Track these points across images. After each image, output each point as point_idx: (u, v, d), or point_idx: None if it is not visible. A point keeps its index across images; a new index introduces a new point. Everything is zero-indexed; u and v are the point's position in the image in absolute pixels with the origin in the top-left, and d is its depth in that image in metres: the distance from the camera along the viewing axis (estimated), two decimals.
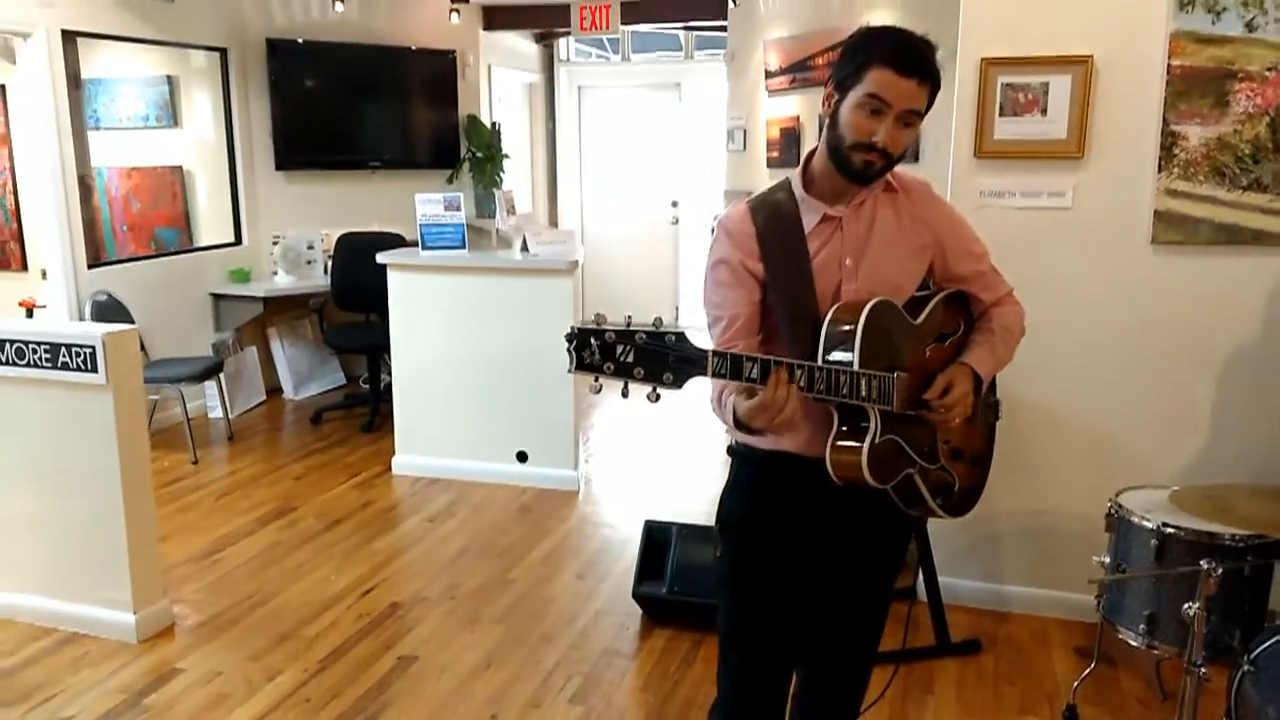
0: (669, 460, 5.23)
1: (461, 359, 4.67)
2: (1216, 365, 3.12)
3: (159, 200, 6.20)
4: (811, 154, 1.80)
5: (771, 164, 6.23)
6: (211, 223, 6.32)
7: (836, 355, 1.66)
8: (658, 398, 1.51)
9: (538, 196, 8.62)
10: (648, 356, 1.45)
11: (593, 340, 1.44)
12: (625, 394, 1.51)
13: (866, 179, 1.71)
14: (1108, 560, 2.55)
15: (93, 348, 3.03)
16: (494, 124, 7.35)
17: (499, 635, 3.23)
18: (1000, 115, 3.17)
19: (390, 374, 5.64)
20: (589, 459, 5.06)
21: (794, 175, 1.81)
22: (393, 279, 4.74)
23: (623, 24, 6.93)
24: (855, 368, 1.63)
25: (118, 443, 3.09)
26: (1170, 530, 2.38)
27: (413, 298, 4.74)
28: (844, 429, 1.68)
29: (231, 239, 6.29)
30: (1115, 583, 2.52)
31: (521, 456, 4.66)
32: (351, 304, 5.83)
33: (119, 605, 3.17)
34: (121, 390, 3.10)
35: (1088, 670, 2.79)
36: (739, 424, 1.65)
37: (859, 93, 1.63)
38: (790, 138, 6.07)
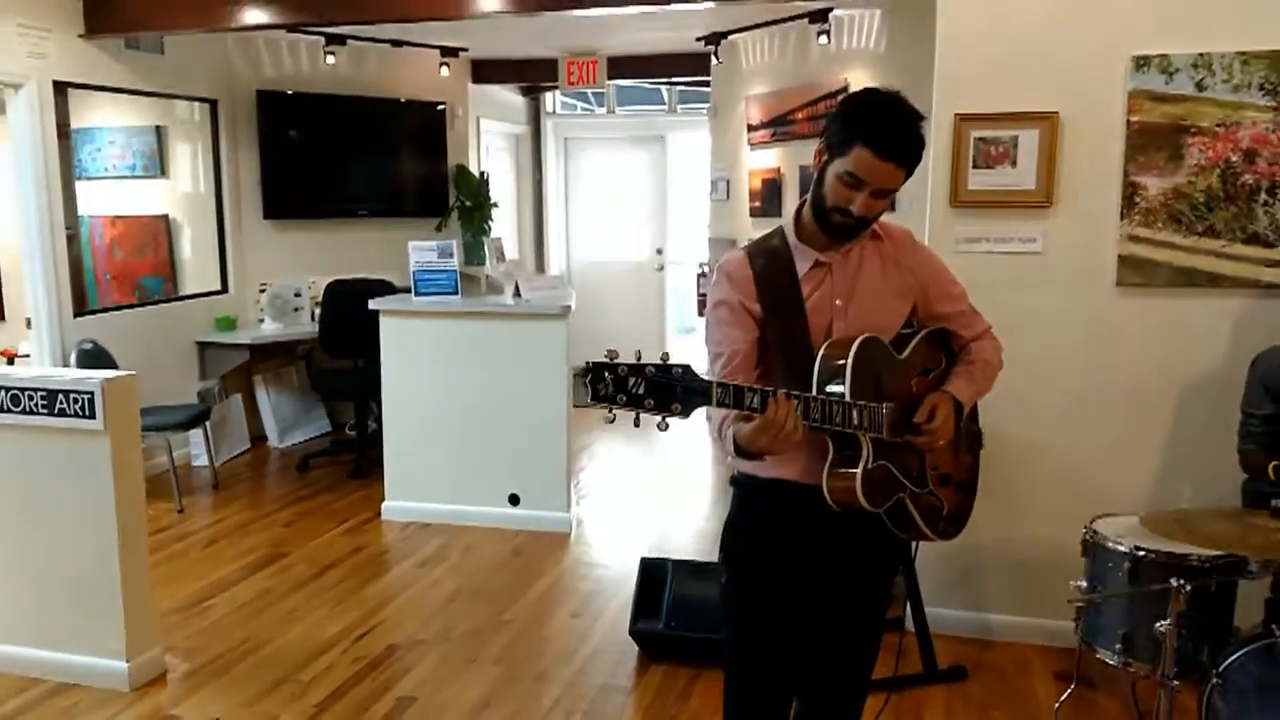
0: (660, 500, 5.32)
1: (453, 404, 4.75)
2: (1179, 398, 3.28)
3: (143, 249, 6.27)
4: (802, 205, 1.95)
5: (754, 213, 6.42)
6: (197, 271, 6.38)
7: (830, 388, 1.79)
8: (666, 426, 1.63)
9: (524, 244, 8.77)
10: (657, 388, 1.58)
11: (606, 374, 1.57)
12: (637, 423, 1.63)
13: (842, 238, 1.88)
14: (1084, 585, 2.66)
15: (91, 393, 3.08)
16: (482, 173, 7.51)
17: (496, 675, 3.27)
18: (974, 167, 3.35)
19: (378, 420, 5.71)
20: (580, 501, 5.12)
21: (787, 224, 1.96)
22: (385, 325, 4.82)
23: (608, 79, 7.16)
24: (847, 398, 1.75)
25: (114, 488, 3.13)
26: (1142, 553, 2.50)
27: (405, 343, 4.82)
28: (839, 457, 1.82)
29: (218, 287, 6.36)
30: (1092, 606, 2.63)
31: (514, 499, 4.73)
32: (339, 350, 5.90)
33: (111, 653, 3.18)
34: (119, 436, 3.15)
35: (1068, 692, 2.89)
36: (740, 451, 1.77)
37: (841, 165, 1.79)
38: (772, 188, 6.27)
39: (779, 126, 6.32)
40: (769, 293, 1.89)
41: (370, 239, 6.76)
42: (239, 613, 3.77)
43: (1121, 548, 2.56)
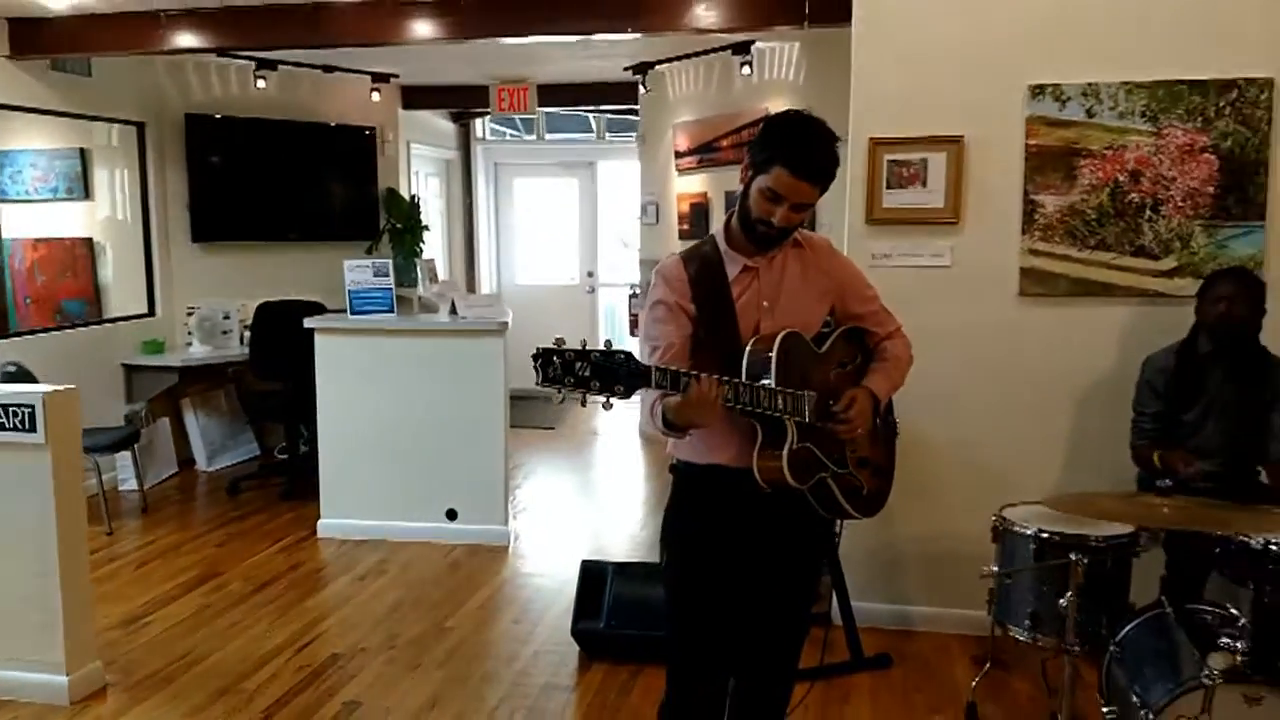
0: (595, 513, 5.45)
1: (390, 421, 4.80)
2: (1076, 397, 3.56)
3: (65, 272, 6.17)
4: (730, 216, 2.15)
5: (683, 235, 6.65)
6: (123, 294, 6.30)
7: (758, 378, 1.95)
8: (610, 406, 1.80)
9: (455, 267, 8.83)
10: (602, 372, 1.77)
11: (555, 359, 1.77)
12: (584, 403, 1.82)
13: (766, 246, 2.10)
14: (996, 569, 2.88)
15: (32, 407, 3.09)
16: (413, 197, 7.58)
17: (441, 678, 3.34)
18: (887, 187, 3.60)
19: (308, 442, 5.72)
20: (517, 515, 5.20)
21: (718, 233, 2.17)
22: (320, 343, 4.86)
23: (539, 106, 7.32)
24: (773, 386, 1.92)
25: (55, 502, 3.13)
26: (1045, 534, 2.73)
27: (340, 362, 4.86)
28: (766, 440, 2.02)
29: (144, 310, 6.28)
30: (1003, 588, 2.84)
31: (451, 514, 4.79)
32: (270, 372, 5.88)
33: (50, 668, 3.16)
34: (60, 450, 3.14)
35: (983, 672, 3.11)
36: (668, 424, 1.95)
37: (763, 181, 2.00)
38: (699, 211, 6.50)
39: (705, 153, 6.58)
40: (702, 293, 2.09)
41: (300, 261, 6.77)
42: (177, 628, 3.76)
43: (1028, 531, 2.78)
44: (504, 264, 9.26)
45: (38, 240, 6.06)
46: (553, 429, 7.55)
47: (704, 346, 2.06)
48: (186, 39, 5.03)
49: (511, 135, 9.42)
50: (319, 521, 4.89)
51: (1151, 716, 2.27)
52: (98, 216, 6.28)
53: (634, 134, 7.96)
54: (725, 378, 1.89)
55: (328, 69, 6.75)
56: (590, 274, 9.03)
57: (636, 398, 1.88)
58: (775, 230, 2.02)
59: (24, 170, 6.08)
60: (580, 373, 1.76)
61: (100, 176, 6.27)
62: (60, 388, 3.19)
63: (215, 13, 4.93)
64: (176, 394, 6.20)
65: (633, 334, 8.11)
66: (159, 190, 6.32)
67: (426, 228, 7.59)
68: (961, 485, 3.63)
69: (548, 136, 9.18)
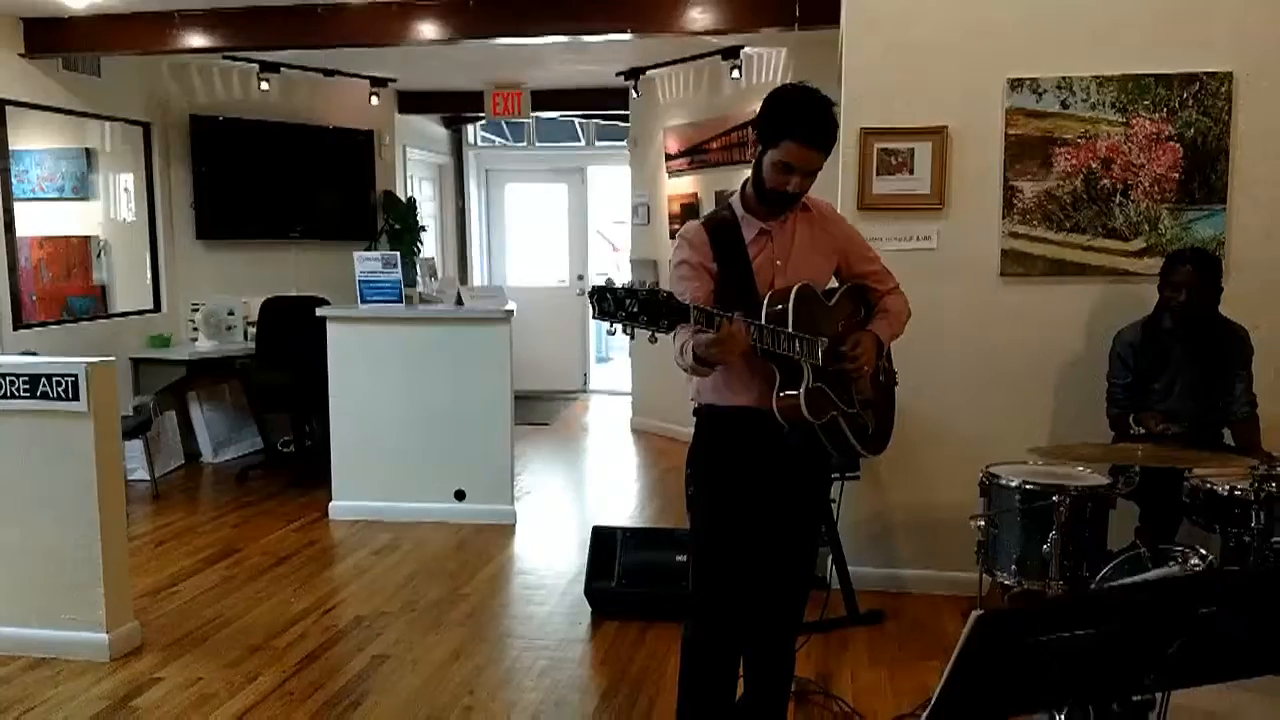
0: (595, 496, 5.65)
1: (399, 406, 4.98)
2: (1054, 370, 3.82)
3: (71, 270, 6.30)
4: (745, 184, 2.38)
5: (674, 235, 6.85)
6: (128, 292, 6.44)
7: (775, 325, 2.18)
8: (655, 340, 2.02)
9: (448, 270, 9.02)
10: (648, 307, 1.98)
11: (609, 295, 1.98)
12: (632, 335, 2.02)
13: (780, 210, 2.33)
14: (984, 516, 3.11)
15: (75, 376, 3.26)
16: (410, 198, 7.77)
17: (463, 635, 3.53)
18: (877, 175, 3.85)
19: (313, 434, 5.89)
20: (521, 498, 5.38)
21: (735, 200, 2.40)
22: (332, 331, 5.04)
23: (532, 110, 7.55)
24: (790, 331, 2.15)
25: (97, 468, 3.30)
26: (1030, 485, 2.97)
27: (351, 349, 5.04)
28: (784, 381, 2.25)
29: (150, 306, 6.43)
30: (990, 538, 3.07)
31: (459, 495, 4.97)
32: (277, 365, 6.04)
33: (91, 626, 3.32)
34: (101, 418, 3.32)
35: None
36: (697, 359, 2.15)
37: (775, 155, 2.22)
38: (690, 211, 6.73)
39: (695, 155, 6.82)
40: (722, 254, 2.33)
41: (301, 260, 6.95)
42: (203, 596, 3.92)
43: (1013, 483, 3.02)
44: (496, 267, 9.46)
45: (43, 239, 6.19)
46: (548, 424, 7.74)
47: (724, 301, 2.26)
48: (198, 39, 5.22)
49: (501, 143, 9.64)
50: (330, 503, 5.05)
51: None
52: (103, 215, 6.43)
53: (622, 141, 8.19)
54: (749, 320, 2.12)
55: (328, 72, 6.95)
56: (580, 277, 9.24)
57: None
58: (792, 197, 2.26)
59: (30, 170, 6.22)
60: (630, 308, 1.96)
61: (106, 176, 6.42)
62: (101, 359, 3.36)
63: (228, 13, 5.12)
64: (183, 388, 6.34)
65: (631, 337, 8.31)
66: (164, 189, 6.48)
67: (424, 228, 7.78)
68: (948, 455, 3.87)
69: (538, 144, 9.40)
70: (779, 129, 2.20)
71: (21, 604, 3.36)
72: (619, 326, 1.98)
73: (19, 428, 3.33)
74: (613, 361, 10.05)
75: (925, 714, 1.10)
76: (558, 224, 9.26)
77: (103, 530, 3.30)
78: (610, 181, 9.16)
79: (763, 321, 2.21)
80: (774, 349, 2.16)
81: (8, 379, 3.31)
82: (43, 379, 3.28)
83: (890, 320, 2.44)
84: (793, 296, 2.22)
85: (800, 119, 2.20)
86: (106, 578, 3.31)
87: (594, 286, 1.97)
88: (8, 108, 5.29)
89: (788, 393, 2.22)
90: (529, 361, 8.77)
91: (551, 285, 9.21)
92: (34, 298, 6.18)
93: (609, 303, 1.95)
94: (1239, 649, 1.14)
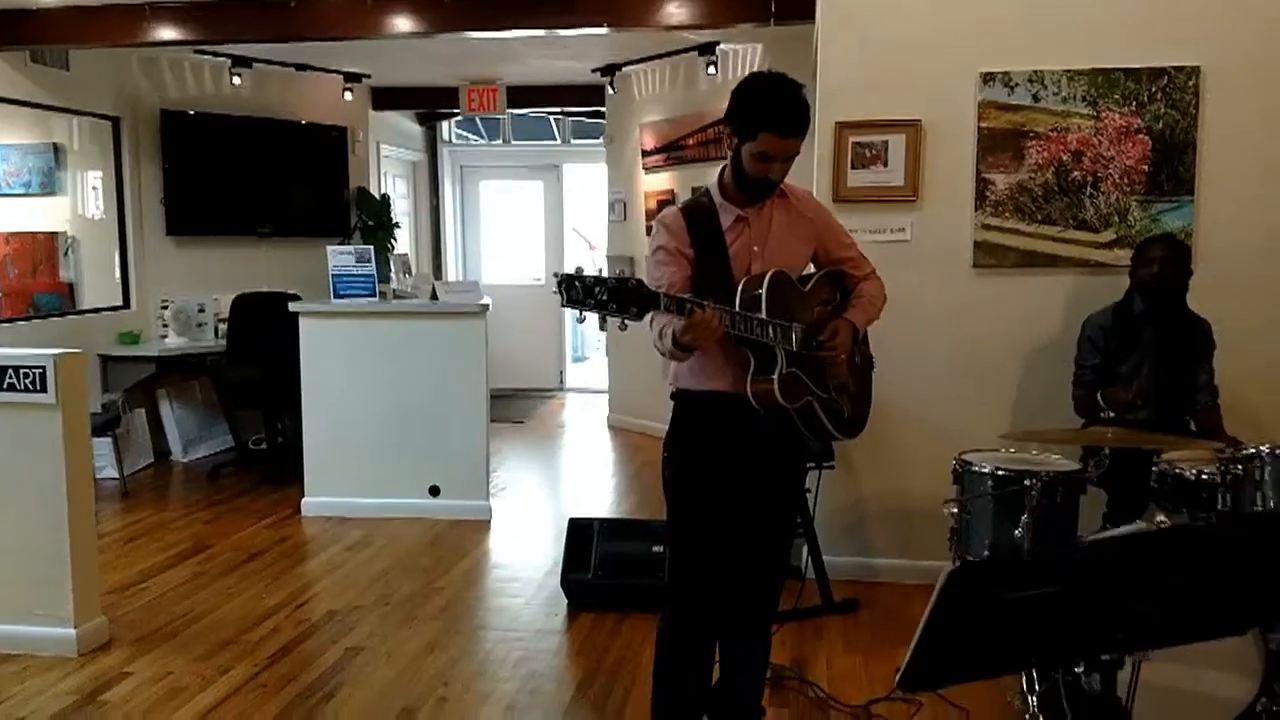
0: (570, 492, 5.64)
1: (373, 401, 4.95)
2: (1025, 361, 3.86)
3: (38, 266, 6.21)
4: (723, 171, 2.39)
5: (649, 232, 6.87)
6: (96, 288, 6.35)
7: (750, 311, 2.19)
8: (625, 327, 2.02)
9: (422, 268, 8.97)
10: (618, 295, 1.98)
11: (577, 283, 1.98)
12: (603, 326, 2.01)
13: (759, 198, 2.33)
14: (957, 500, 3.13)
15: (43, 368, 3.21)
16: (384, 195, 7.72)
17: (437, 628, 3.51)
18: (852, 168, 3.87)
19: (285, 431, 5.83)
20: (497, 494, 5.36)
21: (713, 186, 2.41)
22: (304, 326, 4.99)
23: (508, 106, 7.52)
24: (764, 317, 2.16)
25: (65, 460, 3.25)
26: (1002, 471, 2.99)
27: (324, 344, 5.00)
28: (759, 366, 2.26)
29: (119, 303, 6.35)
30: (963, 525, 3.08)
31: (434, 490, 4.94)
32: (248, 361, 5.98)
33: (58, 621, 3.26)
34: (70, 410, 3.27)
35: None
36: (675, 344, 2.15)
37: (753, 147, 2.22)
38: (666, 208, 6.73)
39: (671, 151, 6.83)
40: (700, 240, 2.33)
41: (273, 257, 6.89)
42: (174, 592, 3.87)
43: (985, 468, 3.03)
44: (470, 265, 9.42)
45: (9, 234, 6.09)
46: (523, 423, 7.72)
47: (701, 287, 2.27)
48: (169, 32, 5.16)
49: (477, 140, 9.61)
50: (303, 500, 5.01)
51: None
52: (71, 211, 6.33)
53: (598, 139, 8.19)
54: (724, 307, 2.12)
55: (300, 67, 6.89)
56: (556, 275, 9.21)
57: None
58: (772, 184, 2.28)
59: None
60: (599, 295, 1.97)
61: (74, 171, 6.33)
62: (69, 350, 3.31)
63: (200, 5, 5.07)
64: (152, 385, 6.27)
65: (602, 328, 8.30)
66: (134, 185, 6.40)
67: (398, 225, 7.74)
68: (921, 445, 3.89)
69: (514, 141, 9.38)
70: (754, 122, 2.21)
71: None
72: (588, 314, 1.98)
73: None
74: (589, 361, 10.04)
75: (900, 669, 1.11)
76: (533, 222, 9.24)
77: (71, 524, 3.25)
78: (586, 179, 9.14)
79: (738, 305, 2.21)
80: (747, 335, 2.17)
81: None
82: (10, 370, 3.22)
83: (865, 306, 2.46)
84: (767, 282, 2.22)
85: (774, 110, 2.20)
86: (75, 572, 3.26)
87: (563, 275, 1.98)
88: None
89: (762, 378, 2.23)
90: (504, 360, 8.75)
91: (527, 283, 9.17)
92: (0, 294, 6.09)
93: (577, 290, 1.96)
94: (1205, 608, 1.15)
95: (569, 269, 2.03)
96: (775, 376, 2.22)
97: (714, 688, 2.53)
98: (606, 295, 1.97)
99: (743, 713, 2.55)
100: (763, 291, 2.21)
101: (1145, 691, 2.52)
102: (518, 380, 8.67)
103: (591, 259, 10.20)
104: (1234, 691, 2.53)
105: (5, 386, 3.23)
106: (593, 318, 2.02)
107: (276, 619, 3.58)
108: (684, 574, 2.38)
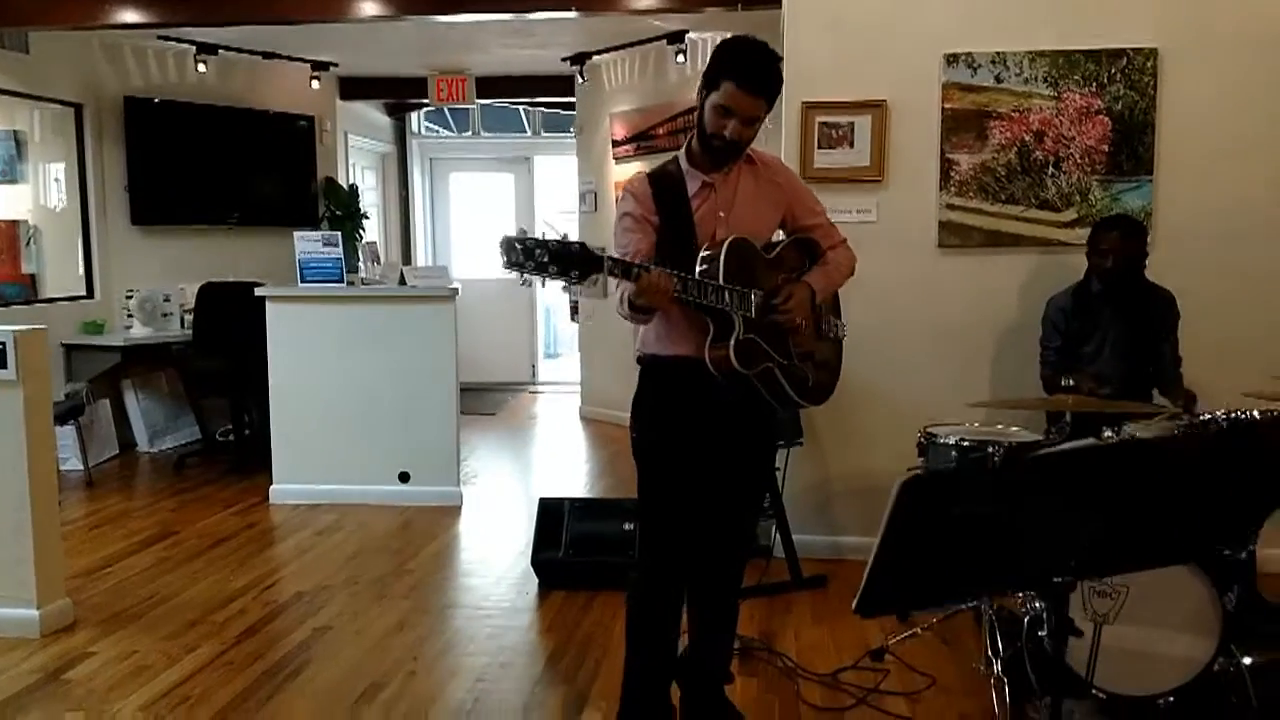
0: (541, 480, 5.63)
1: (341, 386, 4.91)
2: (990, 339, 3.91)
3: (3, 254, 6.10)
4: (691, 137, 2.39)
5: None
6: (59, 279, 6.26)
7: (708, 277, 2.21)
8: (568, 290, 2.01)
9: (390, 257, 8.92)
10: (559, 258, 2.00)
11: (517, 245, 1.99)
12: (544, 285, 2.05)
13: (721, 161, 2.33)
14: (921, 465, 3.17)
15: (3, 344, 3.16)
16: (352, 185, 7.67)
17: (407, 607, 3.49)
18: (819, 148, 3.90)
19: (252, 421, 5.78)
20: (468, 482, 5.33)
21: (680, 153, 2.41)
22: (271, 311, 4.95)
23: (477, 97, 7.50)
24: (720, 283, 2.19)
25: (26, 438, 3.20)
26: (966, 442, 3.03)
27: (291, 330, 4.96)
28: (717, 333, 2.26)
29: (83, 292, 6.26)
30: None
31: (404, 477, 4.91)
32: (215, 351, 5.92)
33: (20, 602, 3.22)
34: (31, 387, 3.22)
35: None
36: (632, 307, 2.17)
37: (715, 99, 2.24)
38: None
39: (641, 141, 6.85)
40: (664, 206, 2.33)
41: (239, 246, 6.82)
42: (140, 576, 3.82)
43: (950, 440, 3.08)
44: (440, 258, 9.38)
45: None
46: (494, 414, 7.70)
47: (666, 253, 2.27)
48: (132, 14, 5.09)
49: (446, 133, 9.57)
50: (271, 487, 4.96)
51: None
52: (34, 199, 6.24)
53: (568, 132, 8.18)
54: (675, 271, 2.12)
55: (267, 55, 6.83)
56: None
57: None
58: (728, 144, 2.25)
59: None
60: (539, 258, 1.97)
61: (36, 159, 6.23)
62: (30, 327, 3.26)
63: None
64: (117, 375, 6.18)
65: (574, 319, 8.31)
66: (97, 173, 6.31)
67: (366, 215, 7.69)
68: (888, 424, 3.92)
69: (483, 134, 9.35)
70: (719, 71, 2.22)
71: None
72: (529, 277, 1.98)
73: None
74: (562, 357, 10.00)
75: (858, 594, 1.13)
76: (504, 214, 9.20)
77: (33, 504, 3.20)
78: (557, 171, 9.13)
79: (696, 270, 2.21)
80: (701, 300, 2.17)
81: None
82: None
83: (828, 272, 2.45)
84: (724, 249, 2.22)
85: (740, 62, 2.21)
86: (38, 552, 3.22)
87: (503, 237, 1.97)
88: None
89: (719, 344, 2.23)
90: (475, 353, 8.71)
91: (498, 276, 9.02)
92: None
93: (517, 253, 1.96)
94: (1156, 525, 1.18)
95: (512, 232, 2.01)
96: (731, 342, 2.21)
97: (682, 655, 2.54)
98: (548, 258, 1.97)
99: (711, 678, 2.56)
100: (720, 257, 2.21)
101: (1106, 654, 2.58)
102: (488, 374, 8.64)
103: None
104: (1193, 652, 2.59)
105: None
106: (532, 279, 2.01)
107: (244, 600, 3.55)
108: (652, 537, 2.39)
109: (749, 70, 2.20)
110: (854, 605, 1.14)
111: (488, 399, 8.17)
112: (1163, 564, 1.38)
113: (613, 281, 2.16)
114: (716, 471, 2.37)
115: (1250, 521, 1.45)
